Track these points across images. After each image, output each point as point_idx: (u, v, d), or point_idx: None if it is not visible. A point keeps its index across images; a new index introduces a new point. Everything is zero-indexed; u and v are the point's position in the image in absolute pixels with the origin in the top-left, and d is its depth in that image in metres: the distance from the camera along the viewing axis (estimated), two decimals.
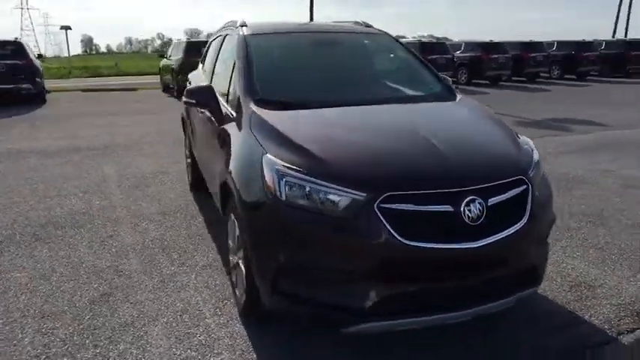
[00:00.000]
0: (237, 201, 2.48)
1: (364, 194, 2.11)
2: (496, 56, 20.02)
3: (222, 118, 3.08)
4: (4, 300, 3.03)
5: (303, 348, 2.52)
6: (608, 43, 25.05)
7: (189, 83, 5.27)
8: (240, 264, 2.70)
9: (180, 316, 2.86)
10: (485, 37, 23.63)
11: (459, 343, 2.56)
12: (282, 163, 2.28)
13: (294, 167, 2.25)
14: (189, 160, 5.17)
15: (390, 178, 2.18)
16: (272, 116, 2.66)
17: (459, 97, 3.24)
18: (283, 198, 2.22)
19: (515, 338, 2.62)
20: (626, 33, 37.28)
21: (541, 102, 13.77)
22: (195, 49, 14.57)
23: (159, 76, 18.19)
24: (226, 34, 3.95)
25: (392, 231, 2.07)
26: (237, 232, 2.65)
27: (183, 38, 15.48)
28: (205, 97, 3.14)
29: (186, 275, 3.35)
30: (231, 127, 2.93)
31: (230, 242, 2.95)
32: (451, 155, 2.31)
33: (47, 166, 6.33)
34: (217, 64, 3.92)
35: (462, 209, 2.13)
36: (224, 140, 2.96)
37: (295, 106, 2.80)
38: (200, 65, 4.87)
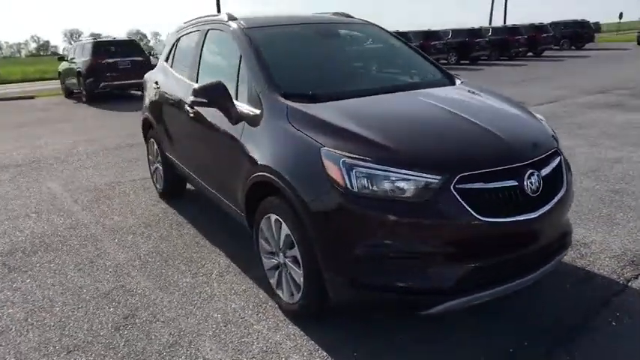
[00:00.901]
0: (293, 198, 2.39)
1: (439, 177, 2.15)
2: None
3: (239, 117, 2.93)
4: (10, 341, 2.65)
5: (368, 338, 2.53)
6: (494, 29, 27.47)
7: (145, 88, 4.93)
8: (289, 264, 2.63)
9: (224, 326, 2.70)
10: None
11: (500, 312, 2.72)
12: (348, 154, 2.25)
13: (362, 157, 2.23)
14: (157, 166, 4.84)
15: (459, 160, 2.24)
16: (313, 109, 2.60)
17: (458, 80, 3.39)
18: (355, 189, 2.19)
19: (553, 298, 2.84)
20: (504, 20, 41.00)
21: None
22: (104, 50, 13.72)
23: (59, 81, 16.62)
24: (208, 29, 3.73)
25: (470, 210, 2.14)
26: (285, 231, 2.56)
27: (88, 39, 14.17)
28: (218, 94, 2.95)
29: (207, 285, 3.16)
30: (255, 125, 2.80)
31: (265, 244, 2.84)
32: (500, 133, 2.44)
33: None
34: (202, 61, 3.71)
35: (525, 182, 2.27)
36: (247, 139, 2.83)
37: (323, 98, 2.75)
38: (163, 64, 4.54)
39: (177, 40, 4.42)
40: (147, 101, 4.78)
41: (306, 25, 3.64)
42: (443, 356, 2.39)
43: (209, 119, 3.33)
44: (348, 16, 4.06)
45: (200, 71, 3.70)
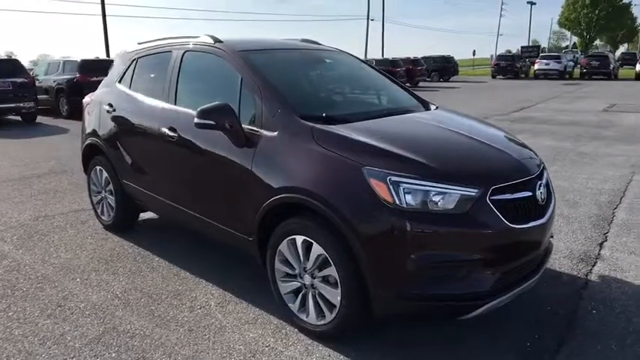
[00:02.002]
0: (333, 217, 2.42)
1: (476, 190, 2.37)
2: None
3: (247, 139, 2.88)
4: None
5: (404, 348, 2.62)
6: (377, 61, 29.85)
7: (89, 111, 4.53)
8: (319, 284, 2.63)
9: (252, 357, 2.59)
10: None
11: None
12: (393, 171, 2.36)
13: (406, 174, 2.36)
14: (104, 196, 4.43)
15: (489, 174, 2.49)
16: (340, 130, 2.67)
17: (433, 105, 3.71)
18: (404, 205, 2.31)
19: (538, 296, 3.19)
20: (382, 54, 44.55)
21: None
22: (90, 68, 13.81)
23: None
24: (185, 51, 3.60)
25: (503, 218, 2.38)
26: (317, 252, 2.56)
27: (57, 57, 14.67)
28: (226, 116, 2.87)
29: (211, 317, 2.99)
30: (269, 147, 2.78)
31: (283, 267, 2.80)
32: (507, 150, 2.76)
33: None
34: (181, 83, 3.54)
35: (537, 192, 2.59)
36: (261, 162, 2.79)
37: (338, 120, 2.84)
38: (117, 86, 4.21)
39: (134, 61, 4.16)
40: (93, 125, 4.38)
41: (291, 51, 3.70)
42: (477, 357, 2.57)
43: (200, 143, 3.20)
44: (317, 42, 4.21)
45: (179, 94, 3.53)
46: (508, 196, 2.46)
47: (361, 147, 2.54)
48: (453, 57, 35.39)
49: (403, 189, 2.33)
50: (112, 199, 4.33)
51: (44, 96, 14.30)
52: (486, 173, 2.50)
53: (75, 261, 3.85)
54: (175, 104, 3.54)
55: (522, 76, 34.99)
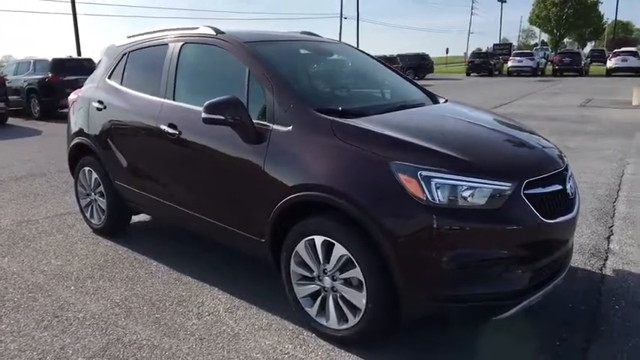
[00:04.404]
0: (359, 216, 2.28)
1: (509, 184, 2.26)
2: None
3: (258, 134, 2.72)
4: None
5: (432, 353, 2.50)
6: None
7: (75, 109, 4.27)
8: (341, 287, 2.48)
9: None
10: None
11: None
12: (423, 166, 2.24)
13: (437, 168, 2.24)
14: (94, 199, 4.18)
15: (521, 168, 2.40)
16: (361, 123, 2.53)
17: (441, 99, 3.60)
18: (436, 201, 2.19)
19: (559, 294, 3.12)
20: None
21: None
22: (62, 68, 13.43)
23: None
24: (183, 43, 3.40)
25: (537, 213, 2.29)
26: (339, 252, 2.42)
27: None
28: (236, 111, 2.69)
29: (222, 324, 2.82)
30: (283, 143, 2.63)
31: (300, 269, 2.64)
32: (534, 143, 2.67)
33: None
34: (180, 77, 3.34)
35: (567, 185, 2.51)
36: (274, 159, 2.64)
37: (354, 113, 2.70)
38: (107, 82, 3.96)
39: (125, 55, 3.92)
40: (80, 124, 4.12)
41: (295, 42, 3.54)
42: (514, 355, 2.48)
43: (205, 140, 3.01)
44: (317, 35, 4.06)
45: (179, 89, 3.33)
46: (541, 189, 2.37)
47: (387, 141, 2.41)
48: (428, 55, 35.68)
49: (435, 184, 2.21)
50: (102, 202, 4.09)
51: (14, 97, 13.74)
52: (519, 166, 2.41)
53: (67, 267, 3.61)
54: (174, 100, 3.33)
55: (496, 73, 35.48)
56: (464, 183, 2.22)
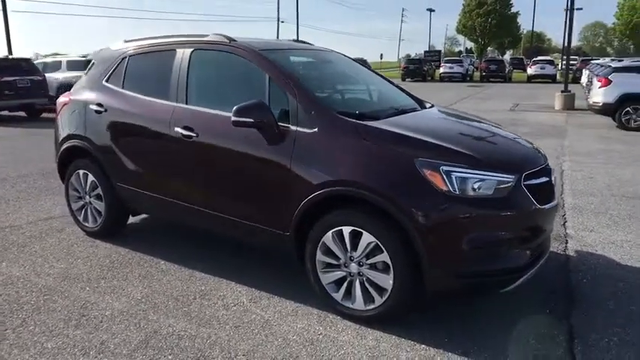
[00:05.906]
0: (388, 206, 2.61)
1: (513, 176, 2.69)
2: None
3: (283, 136, 2.96)
4: None
5: (445, 323, 2.87)
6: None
7: (68, 111, 4.24)
8: (367, 271, 2.79)
9: (311, 345, 2.69)
10: None
11: None
12: (446, 162, 2.60)
13: (456, 164, 2.61)
14: (88, 201, 4.17)
15: (521, 162, 2.84)
16: (383, 125, 2.86)
17: (428, 104, 4.01)
18: (457, 192, 2.57)
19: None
20: None
21: None
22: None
23: None
24: (194, 49, 3.54)
25: (534, 201, 2.73)
26: (367, 240, 2.72)
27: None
28: (264, 114, 2.91)
29: (251, 313, 3.02)
30: (309, 143, 2.89)
31: (326, 258, 2.91)
32: (522, 141, 3.14)
33: None
34: (192, 82, 3.48)
35: (552, 177, 2.99)
36: (302, 158, 2.89)
37: (368, 117, 3.02)
38: (106, 85, 3.98)
39: (124, 58, 3.97)
40: (75, 127, 4.11)
41: (298, 51, 3.80)
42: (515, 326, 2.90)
43: (227, 142, 3.20)
44: (308, 43, 4.34)
45: (192, 93, 3.48)
46: (534, 181, 2.82)
47: (409, 141, 2.76)
48: (366, 60, 36.79)
49: (455, 177, 2.58)
50: (99, 204, 4.10)
51: None
52: (519, 162, 2.85)
53: (73, 270, 3.63)
54: (187, 103, 3.48)
55: (429, 78, 37.36)
56: (478, 176, 2.62)
